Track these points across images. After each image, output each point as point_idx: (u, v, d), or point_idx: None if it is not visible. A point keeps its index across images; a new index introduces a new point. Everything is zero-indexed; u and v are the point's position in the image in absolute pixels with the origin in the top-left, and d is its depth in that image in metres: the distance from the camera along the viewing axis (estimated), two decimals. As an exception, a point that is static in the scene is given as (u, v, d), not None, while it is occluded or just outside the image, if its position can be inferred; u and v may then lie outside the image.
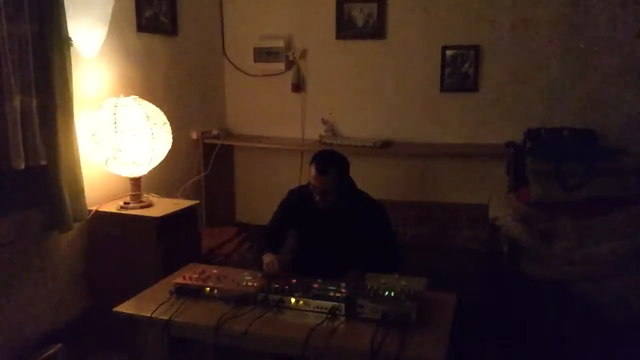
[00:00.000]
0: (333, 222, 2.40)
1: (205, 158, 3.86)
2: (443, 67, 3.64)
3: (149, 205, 2.84)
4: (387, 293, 1.91)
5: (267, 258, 2.27)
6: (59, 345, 2.54)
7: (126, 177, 2.82)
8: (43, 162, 2.44)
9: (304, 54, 3.92)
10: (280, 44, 3.87)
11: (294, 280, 2.06)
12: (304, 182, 2.57)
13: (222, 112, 4.21)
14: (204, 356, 2.39)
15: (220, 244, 3.58)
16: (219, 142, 3.90)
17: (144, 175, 2.86)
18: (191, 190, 3.70)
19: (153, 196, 2.99)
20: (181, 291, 2.09)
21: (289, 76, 3.96)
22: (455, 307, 1.99)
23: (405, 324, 1.80)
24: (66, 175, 2.52)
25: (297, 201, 2.53)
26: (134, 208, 2.78)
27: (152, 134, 2.68)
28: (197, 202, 3.05)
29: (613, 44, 3.30)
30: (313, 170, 2.33)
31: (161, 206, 2.86)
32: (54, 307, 2.68)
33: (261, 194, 4.14)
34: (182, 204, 2.96)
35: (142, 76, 3.23)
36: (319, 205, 2.37)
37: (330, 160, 2.37)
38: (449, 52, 3.62)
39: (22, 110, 2.34)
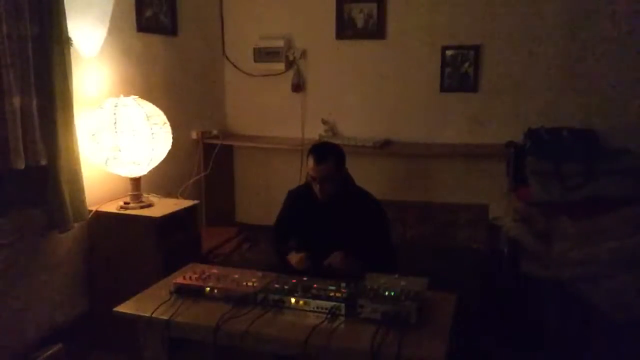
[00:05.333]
0: (332, 219, 2.40)
1: (205, 158, 3.86)
2: (443, 67, 3.64)
3: (149, 205, 2.84)
4: (387, 293, 1.90)
5: (295, 258, 2.32)
6: (59, 345, 2.54)
7: (126, 177, 2.82)
8: (43, 162, 2.44)
9: (304, 54, 3.92)
10: (280, 44, 3.87)
11: (294, 280, 2.07)
12: (304, 182, 2.57)
13: (222, 112, 4.21)
14: (204, 356, 2.39)
15: (220, 244, 3.58)
16: (218, 142, 3.90)
17: (144, 175, 2.86)
18: (191, 190, 3.70)
19: (153, 196, 2.99)
20: (181, 291, 2.08)
21: (289, 76, 3.96)
22: (455, 307, 1.99)
23: (405, 324, 1.80)
24: (66, 175, 2.52)
25: (296, 200, 2.53)
26: (134, 208, 2.79)
27: (152, 134, 2.68)
28: (197, 202, 3.05)
29: (614, 44, 3.30)
30: (311, 160, 2.35)
31: (161, 206, 2.87)
32: (54, 307, 2.68)
33: (261, 194, 4.15)
34: (182, 204, 2.96)
35: (142, 76, 3.23)
36: (319, 197, 2.38)
37: (327, 149, 2.42)
38: (449, 52, 3.62)
39: (22, 110, 2.34)
